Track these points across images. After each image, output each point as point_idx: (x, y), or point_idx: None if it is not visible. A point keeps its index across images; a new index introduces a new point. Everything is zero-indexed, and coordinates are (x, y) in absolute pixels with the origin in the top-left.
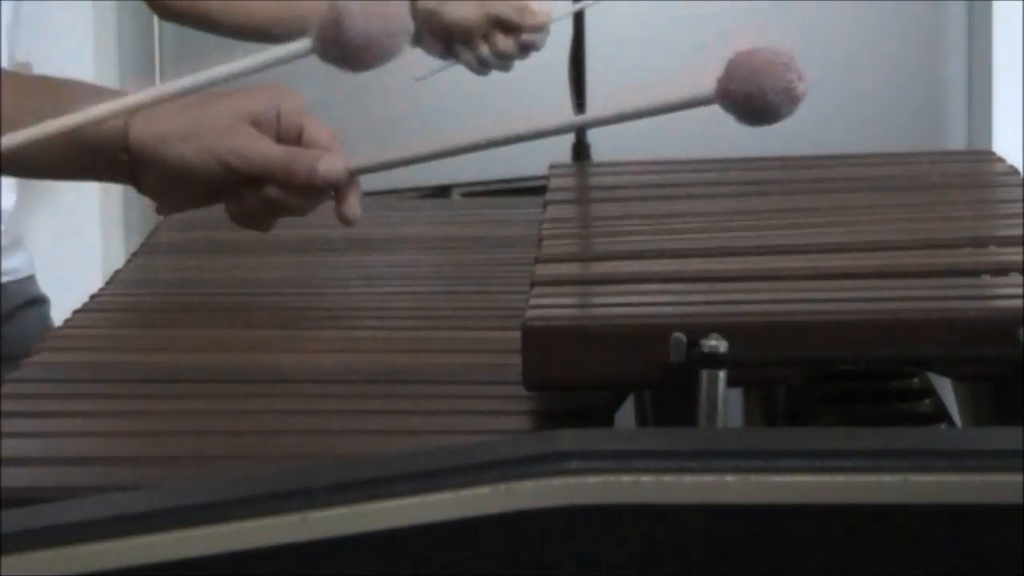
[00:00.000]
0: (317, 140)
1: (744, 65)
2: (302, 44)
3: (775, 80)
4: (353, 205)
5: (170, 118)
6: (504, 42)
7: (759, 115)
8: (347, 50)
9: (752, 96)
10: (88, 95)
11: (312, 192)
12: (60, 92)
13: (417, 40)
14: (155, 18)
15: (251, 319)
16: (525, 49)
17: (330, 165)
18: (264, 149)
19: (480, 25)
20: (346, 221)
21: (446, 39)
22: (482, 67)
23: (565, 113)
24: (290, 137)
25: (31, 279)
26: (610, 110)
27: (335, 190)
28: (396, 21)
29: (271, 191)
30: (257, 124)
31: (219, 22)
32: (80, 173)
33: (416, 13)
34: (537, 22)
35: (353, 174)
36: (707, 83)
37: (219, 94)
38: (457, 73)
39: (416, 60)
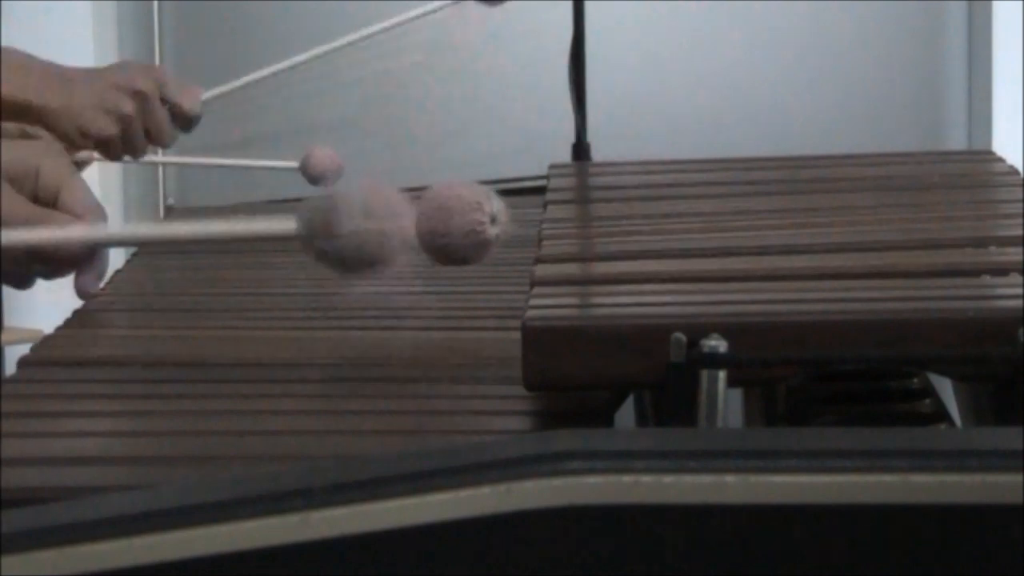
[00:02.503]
0: (71, 207)
1: (433, 202)
2: (287, 225)
3: (463, 221)
4: (89, 281)
5: None
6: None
7: (448, 257)
8: (333, 245)
9: (439, 235)
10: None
11: (57, 261)
12: None
13: None
14: (155, 19)
15: (251, 319)
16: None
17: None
18: (11, 208)
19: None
20: (81, 295)
21: None
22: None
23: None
24: (47, 198)
25: None
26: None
27: (75, 262)
28: (395, 222)
29: (20, 253)
30: (15, 179)
31: None
32: None
33: None
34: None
35: (96, 249)
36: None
37: None
38: (458, 72)
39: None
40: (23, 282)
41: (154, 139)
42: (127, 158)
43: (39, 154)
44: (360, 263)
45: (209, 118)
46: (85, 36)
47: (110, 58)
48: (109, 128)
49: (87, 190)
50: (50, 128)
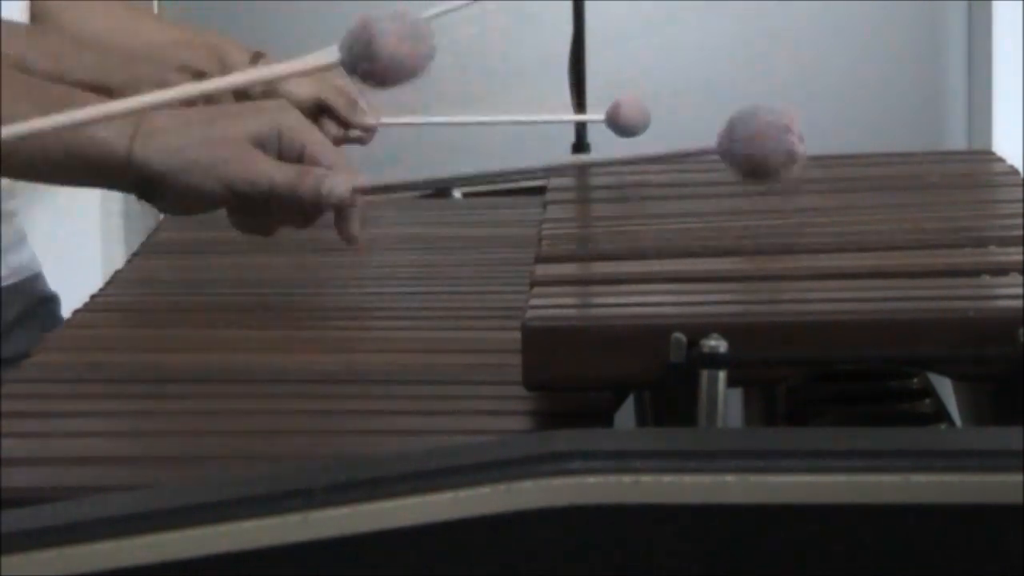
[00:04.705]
0: (319, 158)
1: (746, 126)
2: (330, 55)
3: (777, 144)
4: (354, 225)
5: (175, 140)
6: (330, 129)
7: (760, 176)
8: (375, 67)
9: (753, 158)
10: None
11: (316, 211)
12: (55, 96)
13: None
14: None
15: (251, 319)
16: (351, 141)
17: (333, 187)
18: (270, 172)
19: (308, 107)
20: (347, 240)
21: None
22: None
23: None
24: (292, 155)
25: (39, 277)
26: (615, 154)
27: (337, 209)
28: (425, 43)
29: (275, 209)
30: (261, 144)
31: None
32: (84, 183)
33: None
34: (363, 123)
35: (356, 193)
36: (709, 139)
37: (223, 112)
38: (458, 74)
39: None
40: (268, 231)
41: None
42: None
43: (277, 114)
44: (396, 80)
45: None
46: None
47: None
48: None
49: (326, 141)
50: None
